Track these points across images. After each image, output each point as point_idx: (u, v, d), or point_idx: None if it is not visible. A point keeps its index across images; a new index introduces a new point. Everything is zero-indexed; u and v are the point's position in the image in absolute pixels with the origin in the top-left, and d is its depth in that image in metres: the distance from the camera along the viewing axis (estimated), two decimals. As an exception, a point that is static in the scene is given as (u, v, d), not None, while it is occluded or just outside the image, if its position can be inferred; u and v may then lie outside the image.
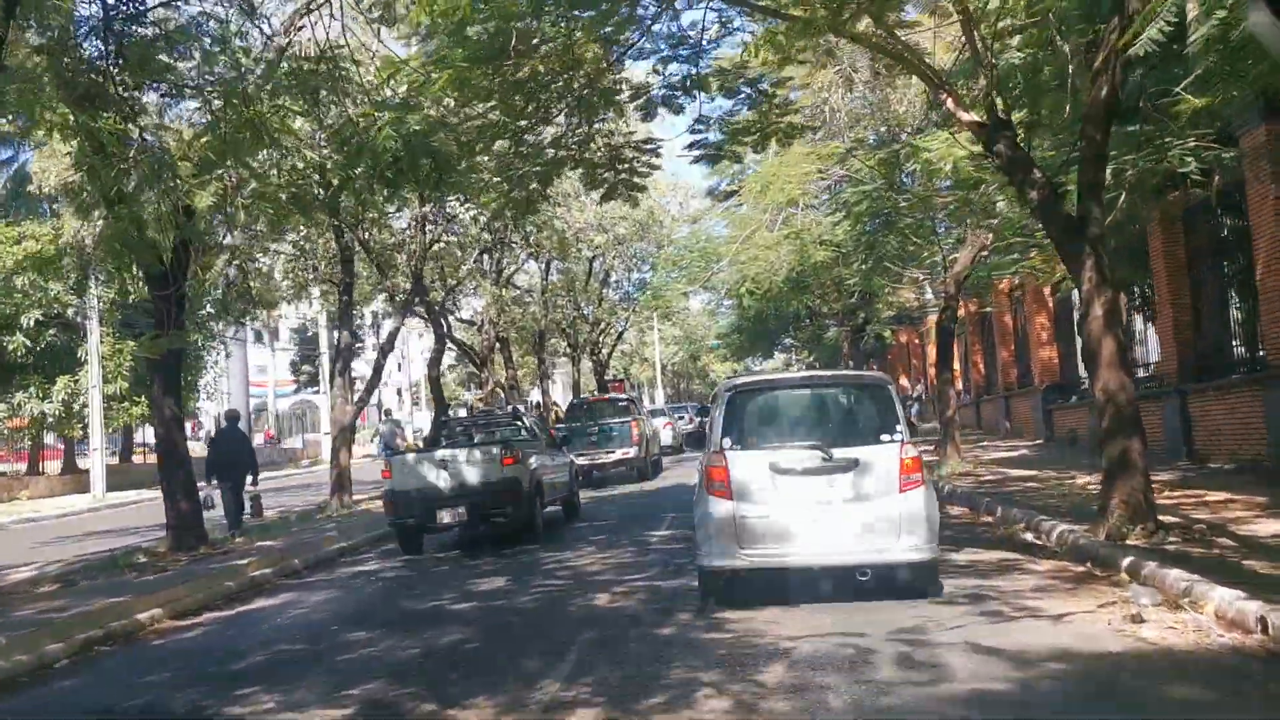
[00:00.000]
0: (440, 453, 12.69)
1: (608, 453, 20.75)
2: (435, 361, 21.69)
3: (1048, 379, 22.49)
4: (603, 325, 39.73)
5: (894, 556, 7.11)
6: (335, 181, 10.12)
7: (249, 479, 15.57)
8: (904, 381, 43.40)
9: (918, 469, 7.22)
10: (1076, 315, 8.95)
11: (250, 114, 9.79)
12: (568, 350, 37.98)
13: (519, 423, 14.94)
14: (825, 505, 7.13)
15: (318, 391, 55.56)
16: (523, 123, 11.49)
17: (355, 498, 18.19)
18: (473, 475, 12.08)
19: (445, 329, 28.77)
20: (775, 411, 7.91)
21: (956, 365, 33.89)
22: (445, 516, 11.96)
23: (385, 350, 17.95)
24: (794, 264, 23.07)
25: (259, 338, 55.01)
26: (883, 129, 20.31)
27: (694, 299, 42.44)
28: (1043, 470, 15.31)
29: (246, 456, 15.76)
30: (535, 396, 39.17)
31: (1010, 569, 8.31)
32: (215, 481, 15.49)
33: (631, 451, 20.86)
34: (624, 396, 24.96)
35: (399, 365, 61.43)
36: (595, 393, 34.40)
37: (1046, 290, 22.55)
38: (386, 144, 8.41)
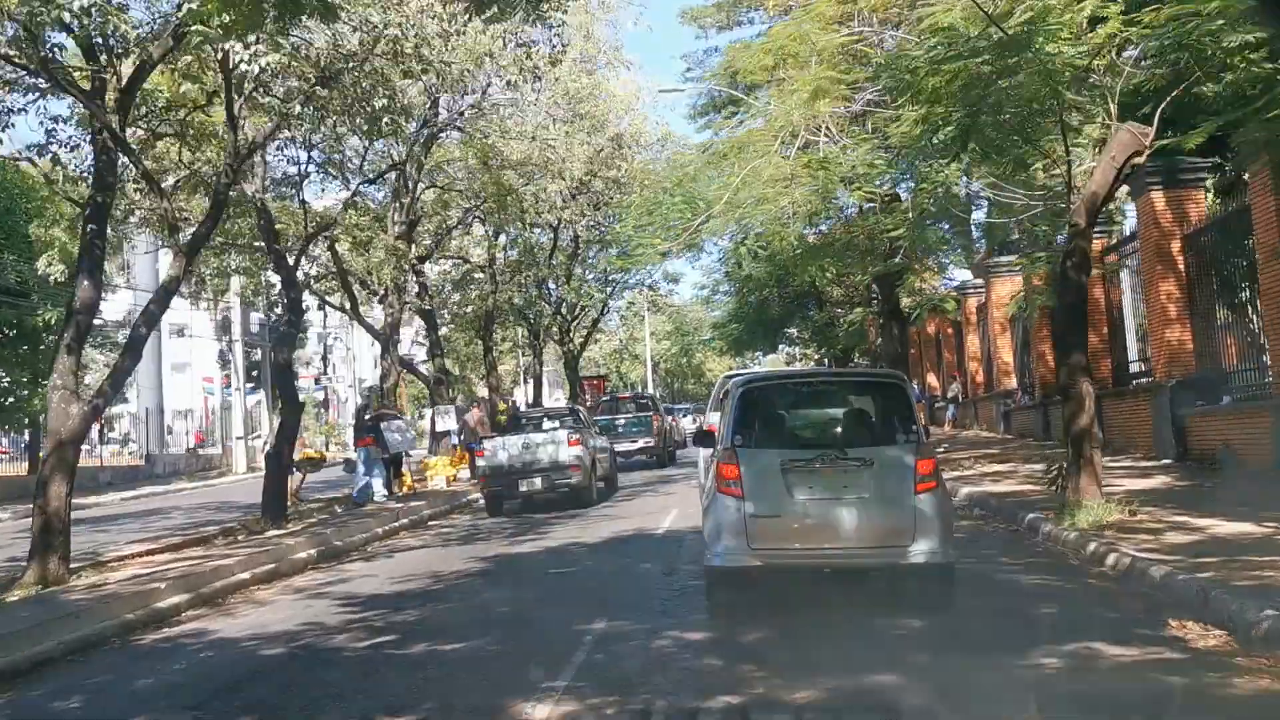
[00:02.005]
0: (520, 437, 15.93)
1: (631, 441, 23.26)
2: (286, 340, 14.43)
3: (1177, 372, 15.57)
4: (577, 309, 33.14)
5: (908, 559, 6.91)
6: None
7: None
8: (933, 380, 37.14)
9: (932, 470, 7.10)
10: None
11: None
12: (528, 338, 31.18)
13: (575, 416, 18.47)
14: (838, 505, 7.01)
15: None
16: None
17: (119, 555, 11.19)
18: (546, 454, 15.39)
19: (348, 301, 21.99)
20: (788, 409, 7.94)
21: (1008, 358, 27.26)
22: (524, 485, 15.46)
23: (151, 318, 10.66)
24: (816, 208, 16.18)
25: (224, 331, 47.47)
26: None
27: (684, 284, 35.99)
28: (1259, 523, 8.74)
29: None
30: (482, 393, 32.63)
31: None
32: None
33: (652, 441, 23.62)
34: (645, 395, 28.80)
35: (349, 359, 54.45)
36: (576, 391, 34.12)
37: (1175, 246, 15.77)
38: None
